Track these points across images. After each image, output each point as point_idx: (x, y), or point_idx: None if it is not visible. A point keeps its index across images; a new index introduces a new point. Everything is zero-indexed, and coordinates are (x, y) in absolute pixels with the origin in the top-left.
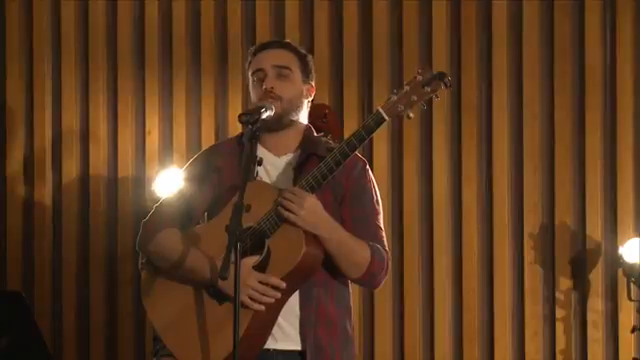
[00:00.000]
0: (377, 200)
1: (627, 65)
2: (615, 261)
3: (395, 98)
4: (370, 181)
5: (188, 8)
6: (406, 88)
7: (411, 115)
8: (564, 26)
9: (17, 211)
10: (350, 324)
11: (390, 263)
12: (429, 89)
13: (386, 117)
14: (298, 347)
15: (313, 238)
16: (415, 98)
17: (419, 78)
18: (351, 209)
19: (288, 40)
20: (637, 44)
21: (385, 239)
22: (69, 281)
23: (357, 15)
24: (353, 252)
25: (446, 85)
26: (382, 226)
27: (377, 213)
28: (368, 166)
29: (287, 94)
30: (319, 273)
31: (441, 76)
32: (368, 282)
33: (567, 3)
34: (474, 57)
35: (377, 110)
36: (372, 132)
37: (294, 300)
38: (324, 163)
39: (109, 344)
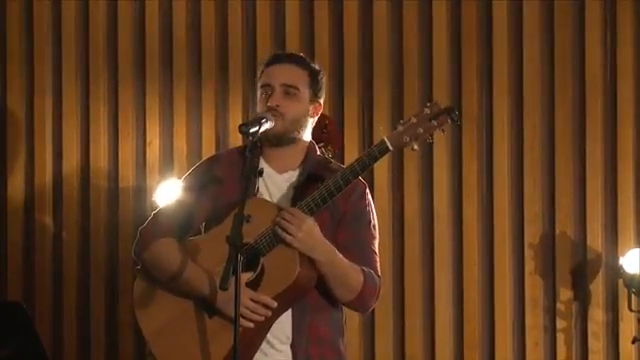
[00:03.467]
0: (374, 225)
1: (628, 73)
2: (616, 272)
3: (401, 129)
4: (369, 205)
5: (188, 20)
6: (413, 120)
7: (416, 147)
8: (564, 31)
9: (18, 221)
10: (343, 344)
11: (381, 289)
12: (435, 123)
13: (391, 147)
14: None
15: (307, 260)
16: (421, 131)
17: (427, 111)
18: (347, 232)
19: (301, 55)
20: (637, 52)
21: (379, 264)
22: (70, 291)
23: (357, 15)
24: (346, 276)
25: (453, 120)
26: (377, 251)
27: (373, 238)
28: (368, 190)
29: (291, 114)
30: (312, 295)
31: (449, 111)
32: (359, 306)
33: (567, 5)
34: (474, 59)
35: (382, 140)
36: (376, 160)
37: (287, 322)
38: (325, 187)
39: (110, 354)
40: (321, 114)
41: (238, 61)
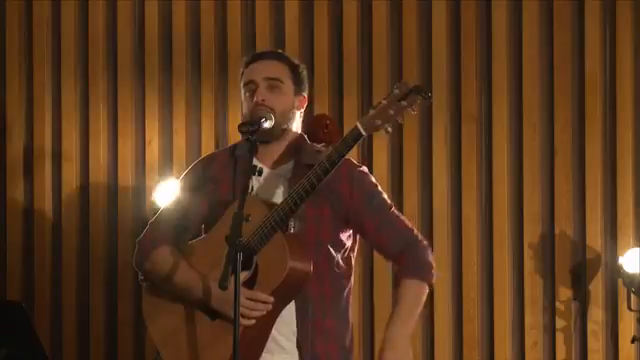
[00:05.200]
0: (385, 197)
1: (627, 73)
2: (615, 271)
3: (373, 112)
4: (372, 183)
5: (187, 20)
6: (383, 102)
7: (389, 130)
8: (564, 32)
9: (17, 221)
10: (349, 337)
11: (429, 250)
12: (405, 103)
13: (364, 132)
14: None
15: (299, 255)
16: (392, 112)
17: (396, 92)
18: (370, 218)
19: (280, 50)
20: (637, 52)
21: (411, 225)
22: (69, 291)
23: (357, 15)
24: (419, 305)
25: (424, 97)
26: (401, 215)
27: (391, 208)
28: (366, 169)
29: (278, 106)
30: (315, 288)
31: (418, 90)
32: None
33: (567, 5)
34: (474, 59)
35: (355, 125)
36: (350, 147)
37: (291, 316)
38: (306, 179)
39: (109, 354)
40: (321, 114)
41: (238, 61)
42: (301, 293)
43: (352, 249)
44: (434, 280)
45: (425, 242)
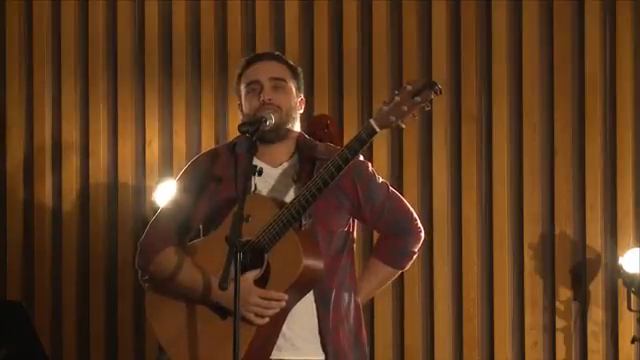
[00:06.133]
0: (383, 182)
1: (627, 73)
2: (615, 271)
3: (386, 109)
4: (369, 173)
5: (188, 19)
6: (396, 99)
7: (403, 126)
8: (564, 32)
9: (17, 221)
10: (362, 326)
11: (421, 238)
12: (419, 99)
13: (378, 129)
14: (320, 356)
15: (312, 252)
16: (406, 108)
17: (409, 88)
18: (369, 209)
19: (277, 52)
20: (637, 52)
21: (410, 210)
22: (69, 291)
23: (357, 15)
24: (381, 288)
25: (436, 93)
26: (400, 198)
27: (389, 194)
28: (362, 158)
29: (284, 105)
30: (331, 280)
31: (431, 85)
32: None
33: (567, 5)
34: (474, 59)
35: (369, 122)
36: (365, 144)
37: (300, 312)
38: (319, 176)
39: (109, 353)
40: (321, 114)
41: (238, 61)
42: (320, 287)
43: (353, 237)
44: (410, 260)
45: (419, 229)
